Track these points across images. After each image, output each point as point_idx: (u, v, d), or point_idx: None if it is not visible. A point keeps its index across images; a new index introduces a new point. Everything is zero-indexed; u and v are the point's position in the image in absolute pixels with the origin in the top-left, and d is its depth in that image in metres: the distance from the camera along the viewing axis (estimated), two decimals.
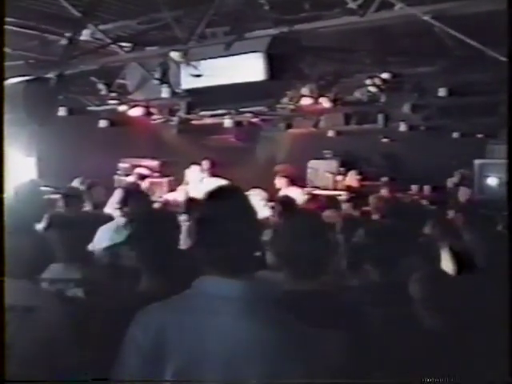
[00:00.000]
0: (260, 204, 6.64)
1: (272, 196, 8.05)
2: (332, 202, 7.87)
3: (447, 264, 3.47)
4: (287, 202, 6.13)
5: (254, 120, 11.57)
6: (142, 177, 9.99)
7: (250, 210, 2.14)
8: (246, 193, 2.35)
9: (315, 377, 2.02)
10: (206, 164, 9.58)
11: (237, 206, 2.11)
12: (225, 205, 2.10)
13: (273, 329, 1.99)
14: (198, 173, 9.30)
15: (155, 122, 10.82)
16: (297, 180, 9.88)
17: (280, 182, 9.05)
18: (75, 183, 8.33)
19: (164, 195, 9.34)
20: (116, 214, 5.73)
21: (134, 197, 5.83)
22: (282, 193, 8.27)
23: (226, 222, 2.05)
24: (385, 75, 8.00)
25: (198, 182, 9.05)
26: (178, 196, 8.73)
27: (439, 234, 5.15)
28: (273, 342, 1.97)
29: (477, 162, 9.89)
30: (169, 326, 2.00)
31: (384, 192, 9.33)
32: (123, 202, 5.69)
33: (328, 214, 5.40)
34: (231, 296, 2.01)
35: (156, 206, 7.61)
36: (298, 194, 8.22)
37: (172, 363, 1.97)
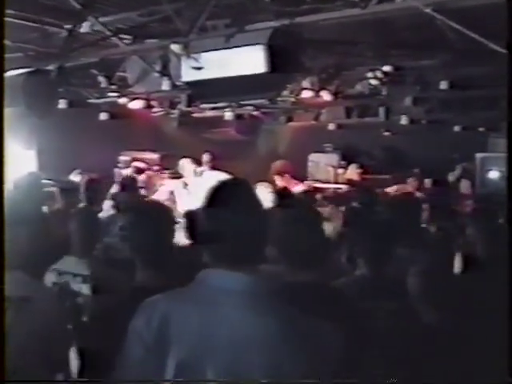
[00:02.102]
0: (268, 197, 6.62)
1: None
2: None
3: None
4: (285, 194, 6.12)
5: (255, 113, 11.53)
6: (139, 170, 9.93)
7: (255, 203, 2.13)
8: (254, 186, 2.32)
9: (318, 371, 2.01)
10: (206, 157, 9.53)
11: (243, 199, 2.10)
12: (230, 197, 2.09)
13: (277, 322, 1.99)
14: (191, 166, 9.24)
15: (156, 114, 10.80)
16: (297, 174, 9.86)
17: (279, 179, 9.03)
18: (73, 176, 8.34)
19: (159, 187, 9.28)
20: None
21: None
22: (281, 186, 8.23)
23: (232, 215, 2.04)
24: (386, 68, 7.96)
25: (193, 176, 9.00)
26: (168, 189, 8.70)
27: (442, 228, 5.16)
28: (277, 335, 1.97)
29: (478, 155, 9.87)
30: (172, 317, 2.00)
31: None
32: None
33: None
34: (235, 289, 2.01)
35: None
36: (298, 189, 8.21)
37: (175, 355, 1.97)
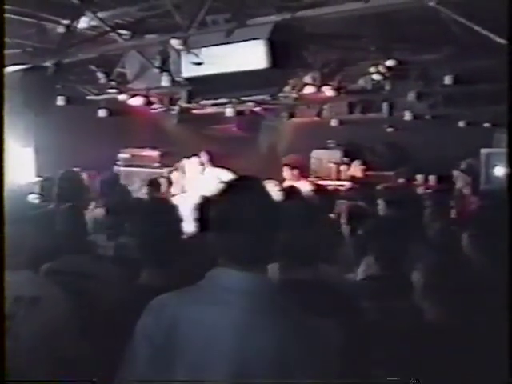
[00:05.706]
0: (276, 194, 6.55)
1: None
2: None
3: None
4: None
5: (256, 109, 11.48)
6: None
7: (267, 202, 2.11)
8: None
9: (327, 373, 1.99)
10: (204, 155, 9.48)
11: (255, 198, 2.08)
12: (244, 196, 2.07)
13: (286, 322, 1.98)
14: (197, 165, 9.19)
15: (155, 111, 10.75)
16: (302, 171, 9.79)
17: (288, 173, 8.95)
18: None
19: None
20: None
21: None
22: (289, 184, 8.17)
23: (242, 214, 2.02)
24: (389, 62, 7.87)
25: (198, 174, 8.94)
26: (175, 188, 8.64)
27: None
28: (285, 335, 1.96)
29: (483, 151, 9.76)
30: (180, 316, 2.00)
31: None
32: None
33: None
34: (244, 288, 2.00)
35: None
36: (306, 187, 8.12)
37: (182, 354, 1.97)
